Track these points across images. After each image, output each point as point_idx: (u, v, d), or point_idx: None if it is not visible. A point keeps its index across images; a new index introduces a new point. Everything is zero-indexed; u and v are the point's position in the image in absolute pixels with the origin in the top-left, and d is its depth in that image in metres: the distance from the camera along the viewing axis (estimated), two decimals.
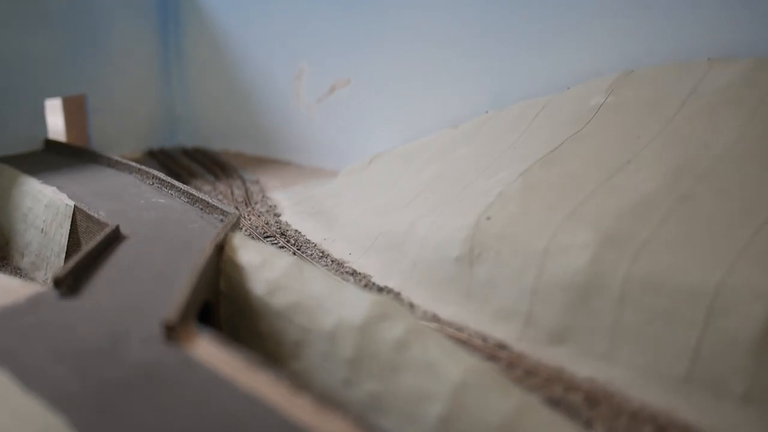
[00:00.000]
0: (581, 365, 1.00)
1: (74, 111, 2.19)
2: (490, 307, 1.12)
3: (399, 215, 1.39)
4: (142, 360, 0.80)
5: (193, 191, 1.36)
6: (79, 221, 1.34)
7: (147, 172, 1.55)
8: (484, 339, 1.07)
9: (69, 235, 1.36)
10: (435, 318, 1.14)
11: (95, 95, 2.17)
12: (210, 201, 1.30)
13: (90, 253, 1.06)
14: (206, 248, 1.06)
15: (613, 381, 0.96)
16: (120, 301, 0.95)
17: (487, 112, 1.64)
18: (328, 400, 0.96)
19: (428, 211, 1.34)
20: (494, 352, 1.03)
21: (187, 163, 2.12)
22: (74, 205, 1.33)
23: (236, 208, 1.65)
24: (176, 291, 0.93)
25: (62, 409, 0.71)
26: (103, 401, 0.73)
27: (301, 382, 0.99)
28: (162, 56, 2.33)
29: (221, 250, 1.10)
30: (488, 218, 1.19)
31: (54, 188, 1.50)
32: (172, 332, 0.84)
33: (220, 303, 1.09)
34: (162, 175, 1.49)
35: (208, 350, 0.82)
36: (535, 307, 1.07)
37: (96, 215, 1.27)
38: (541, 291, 1.07)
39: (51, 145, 2.02)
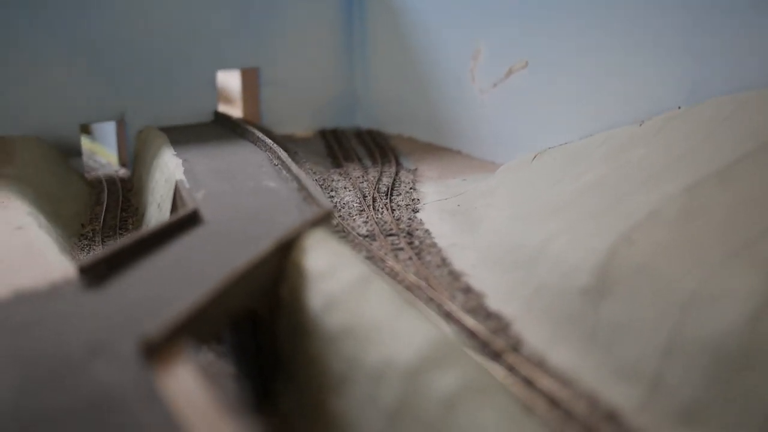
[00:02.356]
0: None
1: (250, 85, 2.13)
2: (612, 359, 0.86)
3: (539, 227, 1.14)
4: (100, 383, 0.64)
5: (302, 177, 1.20)
6: (177, 199, 1.22)
7: (275, 153, 1.41)
8: (593, 403, 0.81)
9: (171, 212, 1.25)
10: (540, 364, 0.89)
11: (269, 69, 2.09)
12: (310, 191, 1.13)
13: (138, 241, 0.92)
14: (265, 248, 0.89)
15: None
16: (141, 301, 0.80)
17: (679, 107, 1.33)
18: None
19: (570, 225, 1.08)
20: (594, 425, 0.77)
21: (351, 145, 1.98)
22: (176, 181, 1.22)
23: (362, 195, 1.47)
24: (189, 299, 0.76)
25: None
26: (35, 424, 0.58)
27: (337, 428, 0.79)
28: (344, 35, 2.21)
29: (288, 250, 0.93)
30: (630, 243, 0.91)
31: (180, 161, 1.41)
32: (152, 353, 0.68)
33: (280, 315, 0.91)
34: (283, 156, 1.35)
35: (183, 384, 0.64)
36: (667, 370, 0.79)
37: (186, 195, 1.14)
38: (678, 349, 0.79)
39: (218, 118, 1.96)
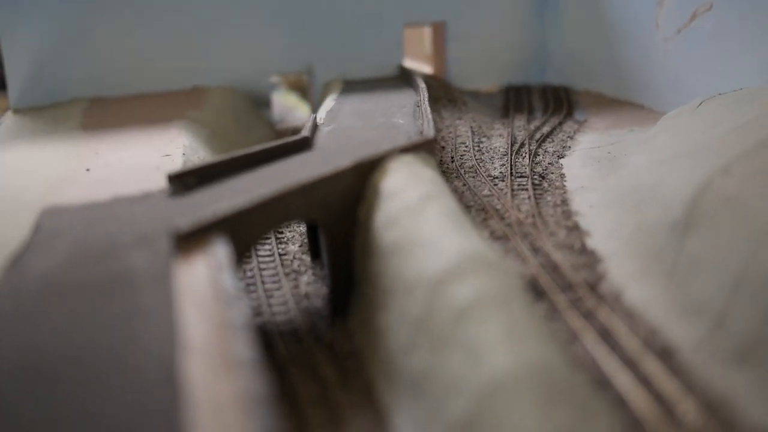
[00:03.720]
0: (758, 404, 0.63)
1: (437, 40, 2.14)
2: (685, 295, 0.78)
3: (667, 168, 1.05)
4: (131, 264, 0.70)
5: (426, 112, 1.20)
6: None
7: (421, 95, 1.42)
8: (650, 338, 0.74)
9: None
10: (616, 299, 0.82)
11: (456, 24, 2.08)
12: (425, 123, 1.13)
13: (236, 158, 0.98)
14: (339, 167, 0.90)
15: None
16: (202, 207, 0.85)
17: None
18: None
19: (695, 163, 0.98)
20: (638, 359, 0.70)
21: (528, 99, 1.92)
22: (314, 117, 1.26)
23: (512, 142, 1.43)
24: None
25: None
26: (45, 295, 0.65)
27: (379, 339, 0.79)
28: None
29: (370, 172, 0.93)
30: (726, 172, 0.82)
31: (333, 103, 1.46)
32: (181, 243, 0.72)
33: (356, 233, 0.93)
34: (423, 96, 1.35)
35: (194, 270, 0.68)
36: (731, 307, 0.70)
37: (310, 126, 1.18)
38: (746, 285, 0.70)
39: (402, 72, 1.99)
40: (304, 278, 1.03)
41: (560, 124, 1.61)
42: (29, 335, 0.59)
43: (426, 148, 1.02)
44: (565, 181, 1.23)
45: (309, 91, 2.10)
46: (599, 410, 0.57)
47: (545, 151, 1.40)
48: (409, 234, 0.80)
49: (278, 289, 1.00)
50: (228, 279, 0.66)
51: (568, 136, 1.51)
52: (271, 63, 1.98)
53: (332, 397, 0.75)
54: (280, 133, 1.94)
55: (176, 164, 1.20)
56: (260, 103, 1.99)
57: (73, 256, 0.72)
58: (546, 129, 1.56)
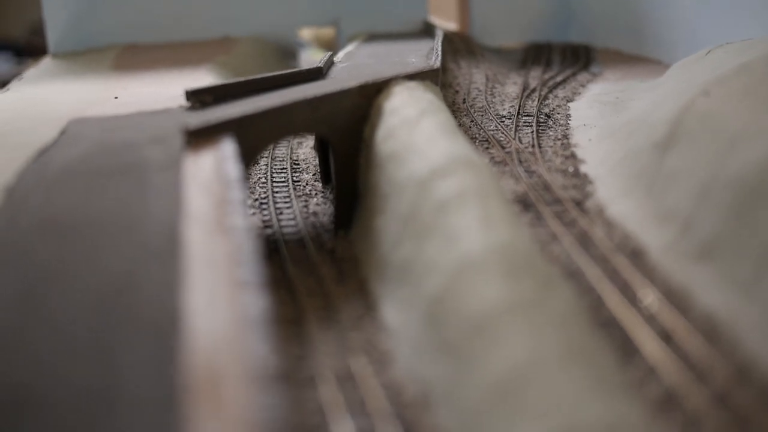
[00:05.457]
0: (713, 292, 0.68)
1: None
2: (658, 206, 0.83)
3: (660, 103, 1.10)
4: (143, 158, 0.77)
5: (438, 51, 1.25)
6: None
7: (437, 38, 1.47)
8: (622, 242, 0.79)
9: None
10: (599, 213, 0.88)
11: None
12: (433, 57, 1.18)
13: (251, 81, 1.04)
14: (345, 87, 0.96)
15: (738, 324, 0.64)
16: (213, 117, 0.91)
17: None
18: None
19: (684, 91, 1.03)
20: (608, 257, 0.76)
21: (548, 54, 1.96)
22: (330, 54, 1.32)
23: (524, 87, 1.48)
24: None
25: (25, 174, 0.72)
26: (63, 178, 0.72)
27: (376, 241, 0.85)
28: None
29: (376, 94, 0.99)
30: (706, 93, 0.87)
31: (352, 48, 1.52)
32: (191, 138, 0.79)
33: (361, 152, 0.99)
34: (437, 44, 1.40)
35: (201, 161, 0.75)
36: (697, 212, 0.76)
37: (324, 60, 1.24)
38: (713, 190, 0.75)
39: (426, 27, 2.04)
40: (314, 200, 1.10)
41: (574, 74, 1.65)
42: (50, 204, 0.66)
43: (431, 76, 1.08)
44: (570, 120, 1.27)
45: (335, 45, 2.15)
46: (559, 285, 0.63)
47: (555, 96, 1.45)
48: (405, 143, 0.86)
49: (288, 208, 1.07)
50: (230, 166, 0.72)
51: (581, 85, 1.55)
52: (299, 15, 2.04)
53: (327, 290, 0.82)
54: None
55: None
56: (287, 54, 2.05)
57: (93, 151, 0.80)
58: (559, 78, 1.60)
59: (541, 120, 1.27)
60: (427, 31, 2.00)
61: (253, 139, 0.85)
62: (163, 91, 1.35)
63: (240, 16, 2.01)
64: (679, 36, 1.74)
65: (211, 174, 0.72)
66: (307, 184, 1.16)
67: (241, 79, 1.04)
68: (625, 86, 1.51)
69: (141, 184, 0.70)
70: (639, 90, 1.43)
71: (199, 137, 0.79)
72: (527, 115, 1.30)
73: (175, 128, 0.85)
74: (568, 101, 1.41)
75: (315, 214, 1.05)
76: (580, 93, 1.48)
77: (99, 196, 0.68)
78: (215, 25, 2.01)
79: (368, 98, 0.99)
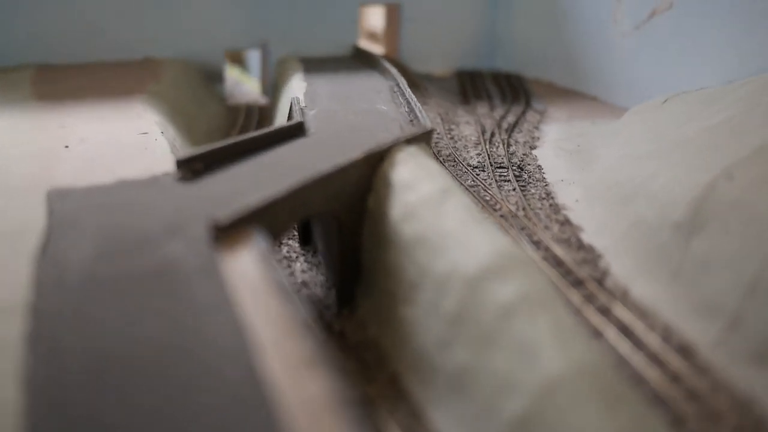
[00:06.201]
0: None
1: (391, 21, 2.14)
2: (695, 295, 0.82)
3: (647, 164, 1.10)
4: (169, 256, 0.68)
5: (412, 100, 1.21)
6: (291, 115, 1.26)
7: (396, 80, 1.42)
8: (666, 335, 0.77)
9: None
10: (624, 295, 0.86)
11: (411, 6, 2.09)
12: (416, 111, 1.13)
13: (238, 144, 0.96)
14: (351, 157, 0.90)
15: None
16: (222, 193, 0.84)
17: None
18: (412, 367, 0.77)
19: (677, 162, 1.02)
20: (663, 357, 0.74)
21: (485, 86, 1.95)
22: (292, 99, 1.25)
23: (482, 130, 1.46)
24: (254, 194, 0.79)
25: (39, 289, 0.63)
26: (89, 290, 0.63)
27: (405, 333, 0.80)
28: None
29: (379, 162, 0.94)
30: (730, 177, 0.86)
31: (305, 85, 1.45)
32: (219, 234, 0.71)
33: (365, 224, 0.93)
34: (402, 83, 1.35)
35: (243, 264, 0.67)
36: (748, 308, 0.75)
37: (296, 111, 1.17)
38: (763, 287, 0.74)
39: (357, 52, 1.98)
40: (298, 265, 1.03)
41: (524, 113, 1.65)
42: (90, 332, 0.57)
43: (426, 139, 1.03)
44: (543, 173, 1.26)
45: (263, 67, 2.07)
46: (653, 418, 0.60)
47: (516, 142, 1.43)
48: (433, 228, 0.81)
49: None
50: (280, 273, 0.65)
51: (534, 126, 1.54)
52: (225, 36, 1.94)
53: (358, 387, 0.76)
54: (232, 109, 1.91)
55: (155, 143, 1.17)
56: (212, 77, 1.95)
57: (106, 246, 0.70)
58: (511, 118, 1.59)
59: (516, 173, 1.25)
60: (359, 56, 1.95)
61: (275, 226, 0.78)
62: (111, 133, 1.24)
63: (162, 36, 1.89)
64: (618, 76, 1.76)
65: (260, 282, 0.64)
66: (281, 244, 1.10)
67: (229, 142, 0.95)
68: (580, 129, 1.51)
69: (183, 297, 0.62)
70: (597, 135, 1.43)
71: (228, 231, 0.72)
72: (500, 167, 1.27)
73: (186, 213, 0.77)
74: (531, 148, 1.40)
75: (305, 284, 0.99)
76: (538, 138, 1.46)
77: (140, 315, 0.59)
78: (135, 46, 1.88)
79: (372, 167, 0.93)
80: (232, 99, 2.01)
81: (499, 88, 1.92)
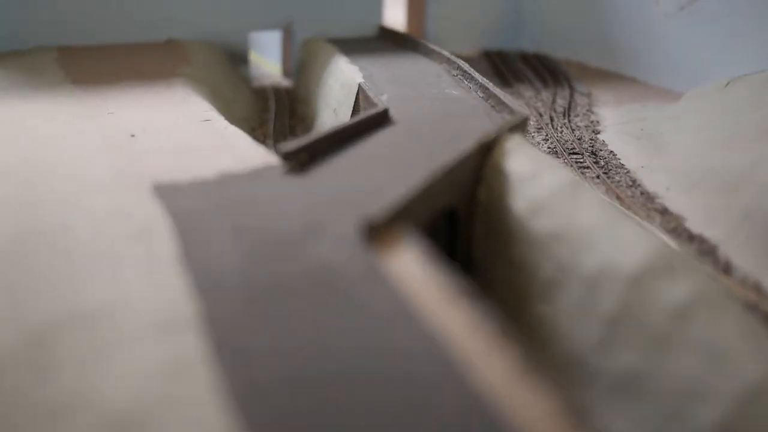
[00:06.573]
0: None
1: (415, 1, 2.08)
2: None
3: (744, 151, 1.06)
4: (323, 259, 0.63)
5: (488, 85, 1.16)
6: (361, 101, 1.20)
7: (453, 63, 1.37)
8: None
9: (351, 115, 1.23)
10: (757, 287, 0.83)
11: None
12: (501, 97, 1.09)
13: (337, 132, 0.91)
14: (466, 146, 0.86)
15: None
16: (345, 188, 0.79)
17: None
18: (566, 365, 0.73)
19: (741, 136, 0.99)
20: None
21: (518, 67, 1.91)
22: (359, 84, 1.20)
23: (538, 114, 1.42)
24: (400, 188, 0.74)
25: (204, 297, 0.57)
26: (254, 293, 0.58)
27: (544, 333, 0.76)
28: None
29: (488, 152, 0.89)
30: None
31: (356, 68, 1.39)
32: (373, 234, 0.66)
33: (476, 215, 0.89)
34: (465, 67, 1.30)
35: (408, 267, 0.62)
36: None
37: (373, 97, 1.12)
38: None
39: (384, 33, 1.93)
40: None
41: (571, 96, 1.61)
42: (281, 350, 0.52)
43: (522, 126, 0.99)
44: (619, 159, 1.22)
45: (285, 49, 2.00)
46: None
47: (577, 126, 1.39)
48: (570, 223, 0.77)
49: None
50: (449, 275, 0.61)
51: (588, 110, 1.50)
52: (249, 17, 1.87)
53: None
54: (258, 92, 1.85)
55: (226, 130, 1.10)
56: (237, 59, 1.88)
57: (249, 250, 0.65)
58: (560, 101, 1.55)
59: (593, 160, 1.21)
60: (385, 36, 1.90)
61: (414, 224, 0.73)
62: (169, 120, 1.17)
63: (185, 17, 1.81)
64: (661, 57, 1.73)
65: (432, 287, 0.59)
66: None
67: (328, 132, 0.90)
68: (636, 114, 1.48)
69: (355, 306, 0.57)
70: (659, 120, 1.40)
71: (380, 230, 0.66)
72: (573, 152, 1.23)
73: (318, 210, 0.72)
74: (594, 133, 1.36)
75: None
76: (596, 121, 1.43)
77: (319, 327, 0.54)
78: (157, 27, 1.80)
79: (481, 157, 0.89)
80: (256, 81, 1.94)
81: (533, 70, 1.88)
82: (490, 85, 1.16)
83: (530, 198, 0.82)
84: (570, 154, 1.22)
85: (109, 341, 0.53)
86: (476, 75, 1.23)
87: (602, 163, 1.19)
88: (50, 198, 0.78)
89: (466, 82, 1.27)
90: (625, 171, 1.16)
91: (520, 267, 0.81)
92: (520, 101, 1.55)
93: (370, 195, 0.75)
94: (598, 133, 1.35)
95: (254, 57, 2.24)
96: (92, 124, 1.14)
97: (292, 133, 1.56)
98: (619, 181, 1.12)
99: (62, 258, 0.65)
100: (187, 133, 1.08)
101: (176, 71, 1.54)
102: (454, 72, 1.35)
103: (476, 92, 1.19)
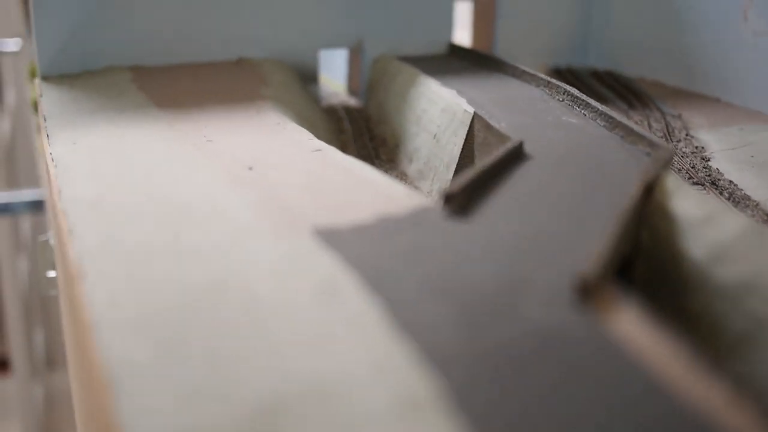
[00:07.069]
0: None
1: (483, 17, 2.04)
2: None
3: None
4: (540, 322, 0.58)
5: (615, 114, 1.11)
6: (476, 131, 1.15)
7: (558, 87, 1.32)
8: None
9: (463, 145, 1.18)
10: None
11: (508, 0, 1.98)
12: (635, 129, 1.04)
13: (489, 170, 0.86)
14: (634, 188, 0.81)
15: None
16: (519, 236, 0.74)
17: None
18: None
19: None
20: None
21: (596, 87, 1.86)
22: (473, 113, 1.15)
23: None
24: (596, 238, 0.69)
25: (437, 367, 0.52)
26: (486, 364, 0.53)
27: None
28: None
29: (650, 193, 0.84)
30: None
31: (453, 92, 1.34)
32: (588, 293, 0.61)
33: (638, 260, 0.84)
34: (576, 92, 1.25)
35: (633, 327, 0.57)
36: None
37: (497, 126, 1.07)
38: None
39: (455, 50, 1.88)
40: None
41: (664, 119, 1.56)
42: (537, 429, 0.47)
43: (669, 162, 0.94)
44: (742, 189, 1.17)
45: (353, 67, 1.95)
46: None
47: (684, 153, 1.34)
48: (764, 272, 0.72)
49: None
50: (677, 340, 0.56)
51: (686, 135, 1.45)
52: (320, 35, 1.82)
53: None
54: (328, 111, 1.80)
55: (345, 161, 1.05)
56: (307, 78, 1.83)
57: (458, 311, 0.60)
58: (657, 125, 1.50)
59: (716, 191, 1.16)
60: (456, 53, 1.85)
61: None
62: (275, 149, 1.13)
63: (256, 35, 1.77)
64: (750, 77, 1.68)
65: (668, 358, 0.55)
66: None
67: (480, 170, 0.85)
68: (738, 138, 1.42)
69: (598, 382, 0.52)
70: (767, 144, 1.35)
71: (594, 288, 0.62)
72: (695, 184, 1.18)
73: (511, 263, 0.67)
74: (704, 160, 1.31)
75: None
76: (701, 147, 1.38)
77: (570, 411, 0.49)
78: (228, 46, 1.75)
79: (644, 198, 0.84)
80: (324, 101, 1.90)
81: (612, 89, 1.83)
82: (615, 113, 1.11)
83: (710, 244, 0.77)
84: (692, 184, 1.17)
85: (346, 422, 0.48)
86: (592, 102, 1.18)
87: (726, 195, 1.14)
88: (209, 246, 0.73)
89: (578, 109, 1.22)
90: (754, 203, 1.11)
91: (700, 318, 0.76)
92: None
93: (559, 243, 0.70)
94: (708, 160, 1.30)
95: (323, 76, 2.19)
96: (197, 153, 1.10)
97: (377, 156, 1.51)
98: (752, 215, 1.07)
99: (251, 319, 0.60)
100: (306, 164, 1.03)
101: (258, 92, 1.50)
102: (559, 97, 1.30)
103: (596, 120, 1.15)
